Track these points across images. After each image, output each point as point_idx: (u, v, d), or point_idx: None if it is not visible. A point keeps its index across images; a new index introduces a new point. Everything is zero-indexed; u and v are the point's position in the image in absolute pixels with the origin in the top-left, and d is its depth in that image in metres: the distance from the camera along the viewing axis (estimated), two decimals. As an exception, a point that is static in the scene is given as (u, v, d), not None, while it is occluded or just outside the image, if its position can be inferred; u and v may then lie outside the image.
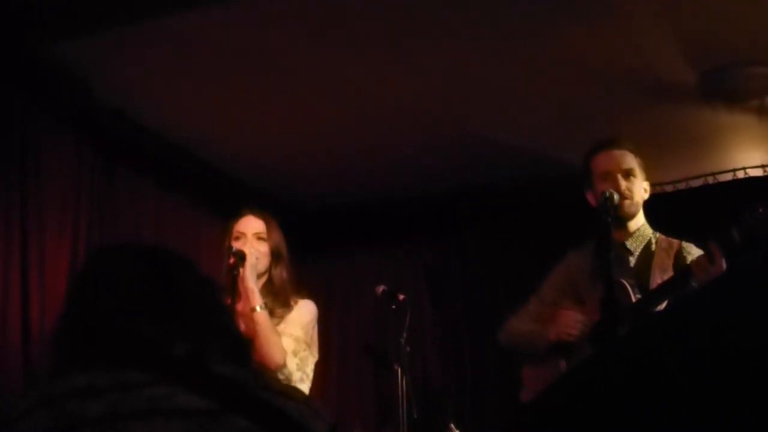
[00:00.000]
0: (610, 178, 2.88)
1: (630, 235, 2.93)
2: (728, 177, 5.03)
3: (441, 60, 3.88)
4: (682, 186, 5.12)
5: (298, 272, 3.25)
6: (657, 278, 2.83)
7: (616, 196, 2.77)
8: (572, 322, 2.86)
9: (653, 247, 2.92)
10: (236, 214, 3.16)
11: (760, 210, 2.51)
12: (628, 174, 2.90)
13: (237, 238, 3.07)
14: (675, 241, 2.93)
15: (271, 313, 2.99)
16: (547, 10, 3.47)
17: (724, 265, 2.56)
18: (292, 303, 3.09)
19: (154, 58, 3.79)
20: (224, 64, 3.86)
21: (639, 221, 2.97)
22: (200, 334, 1.22)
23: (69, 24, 3.49)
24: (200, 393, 1.09)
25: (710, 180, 5.07)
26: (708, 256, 2.59)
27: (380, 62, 3.90)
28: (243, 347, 1.31)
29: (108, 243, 1.57)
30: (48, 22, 3.48)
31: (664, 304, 2.71)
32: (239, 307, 2.98)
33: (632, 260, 2.92)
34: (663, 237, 2.96)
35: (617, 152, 2.94)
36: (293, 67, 3.92)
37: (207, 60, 3.82)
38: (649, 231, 2.96)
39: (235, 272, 2.96)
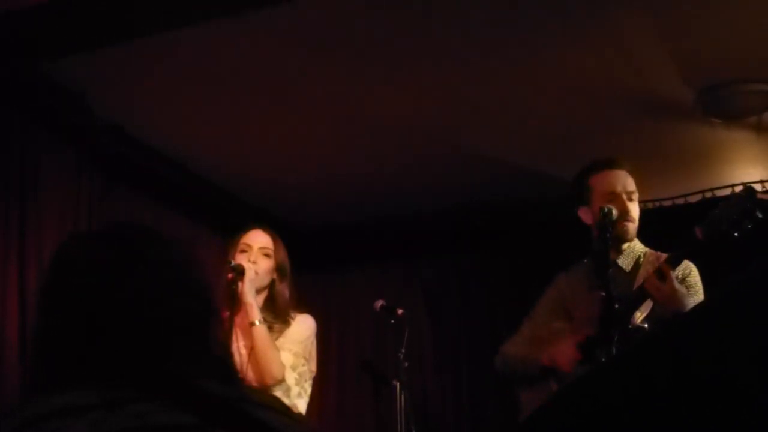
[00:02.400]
0: (615, 198, 2.84)
1: (621, 252, 2.91)
2: (726, 192, 5.02)
3: (438, 79, 3.89)
4: (680, 201, 5.13)
5: (298, 289, 3.26)
6: None
7: (614, 212, 2.76)
8: (572, 358, 2.75)
9: (641, 260, 2.91)
10: (244, 228, 3.18)
11: (721, 208, 2.56)
12: (631, 197, 2.88)
13: (243, 251, 3.09)
14: (662, 255, 2.92)
15: (270, 328, 2.99)
16: (545, 29, 3.49)
17: (676, 284, 2.62)
18: (290, 318, 3.09)
19: (152, 75, 3.80)
20: (222, 81, 3.87)
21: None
22: (184, 348, 1.19)
23: (68, 41, 3.50)
24: (182, 408, 1.08)
25: (708, 196, 5.07)
26: (658, 274, 2.62)
27: (379, 82, 3.91)
28: (227, 360, 1.28)
29: (78, 236, 1.39)
30: (47, 39, 3.49)
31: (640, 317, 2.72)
32: (238, 320, 2.98)
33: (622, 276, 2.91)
34: (651, 252, 2.95)
35: (622, 173, 2.91)
36: (292, 86, 3.93)
37: (205, 77, 3.83)
38: (639, 247, 2.95)
39: (234, 286, 2.97)
